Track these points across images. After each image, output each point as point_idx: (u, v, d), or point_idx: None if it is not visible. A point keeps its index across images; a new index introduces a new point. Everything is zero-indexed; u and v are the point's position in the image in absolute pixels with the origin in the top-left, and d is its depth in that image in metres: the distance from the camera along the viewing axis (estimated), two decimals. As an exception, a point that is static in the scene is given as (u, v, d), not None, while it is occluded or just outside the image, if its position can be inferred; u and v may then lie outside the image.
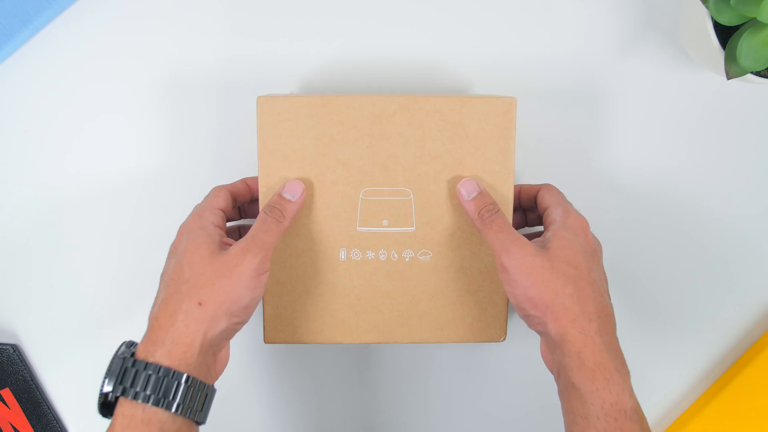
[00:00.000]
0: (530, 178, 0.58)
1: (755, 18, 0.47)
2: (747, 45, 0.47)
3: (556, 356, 0.45)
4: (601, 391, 0.42)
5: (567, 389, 0.43)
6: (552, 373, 0.46)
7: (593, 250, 0.48)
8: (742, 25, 0.48)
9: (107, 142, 0.58)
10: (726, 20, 0.48)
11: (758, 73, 0.50)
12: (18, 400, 0.58)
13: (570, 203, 0.50)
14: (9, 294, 0.59)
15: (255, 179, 0.52)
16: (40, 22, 0.56)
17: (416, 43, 0.57)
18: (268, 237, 0.47)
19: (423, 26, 0.57)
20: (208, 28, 0.57)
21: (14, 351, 0.58)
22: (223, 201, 0.50)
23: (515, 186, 0.52)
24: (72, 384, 0.59)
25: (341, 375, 0.60)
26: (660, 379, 0.59)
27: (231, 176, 0.58)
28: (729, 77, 0.49)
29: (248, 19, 0.57)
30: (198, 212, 0.49)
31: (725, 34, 0.49)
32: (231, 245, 0.46)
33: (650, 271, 0.59)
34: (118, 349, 0.46)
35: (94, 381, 0.59)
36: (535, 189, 0.53)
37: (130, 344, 0.46)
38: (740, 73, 0.49)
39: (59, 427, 0.58)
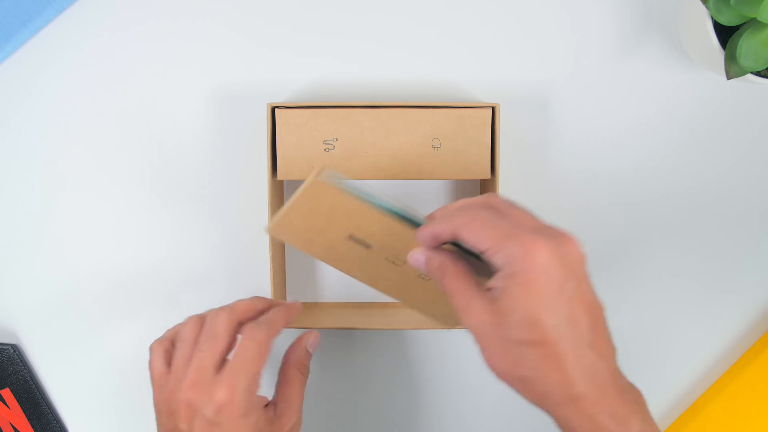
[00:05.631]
0: (526, 181, 0.58)
1: (755, 18, 0.47)
2: (747, 45, 0.47)
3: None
4: None
5: None
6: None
7: (566, 279, 0.36)
8: (742, 25, 0.48)
9: (108, 142, 0.58)
10: (726, 20, 0.48)
11: (758, 73, 0.50)
12: (18, 400, 0.58)
13: (516, 224, 0.38)
14: (9, 294, 0.59)
15: (290, 309, 0.49)
16: (40, 22, 0.56)
17: (411, 45, 0.58)
18: (298, 398, 0.48)
19: (418, 27, 0.57)
20: (210, 30, 0.57)
21: (14, 351, 0.58)
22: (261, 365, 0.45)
23: (427, 230, 0.41)
24: (72, 384, 0.59)
25: (336, 364, 0.60)
26: (660, 378, 0.59)
27: (229, 180, 0.58)
28: (729, 77, 0.49)
29: (251, 31, 0.57)
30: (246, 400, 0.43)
31: (725, 34, 0.49)
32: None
33: (650, 271, 0.59)
34: None
35: (94, 381, 0.59)
36: (447, 231, 0.40)
37: None
38: (740, 73, 0.49)
39: (59, 427, 0.58)
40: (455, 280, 0.40)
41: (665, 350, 0.59)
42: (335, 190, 0.43)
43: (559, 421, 0.38)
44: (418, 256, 0.42)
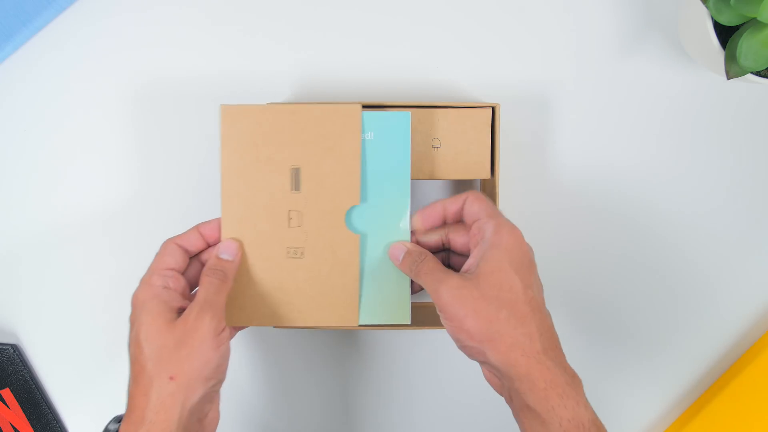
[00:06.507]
0: (526, 181, 0.58)
1: (755, 18, 0.47)
2: (747, 45, 0.47)
3: (504, 382, 0.44)
4: (557, 408, 0.41)
5: (522, 411, 0.43)
6: (502, 396, 0.45)
7: (529, 262, 0.45)
8: (742, 25, 0.48)
9: (107, 142, 0.58)
10: (726, 20, 0.48)
11: (758, 73, 0.50)
12: (18, 400, 0.58)
13: (501, 213, 0.47)
14: (9, 294, 0.59)
15: (208, 226, 0.49)
16: (40, 22, 0.56)
17: (410, 47, 0.58)
18: (219, 297, 0.46)
19: (418, 27, 0.57)
20: (210, 31, 0.57)
21: (14, 351, 0.58)
22: (172, 260, 0.47)
23: (438, 204, 0.49)
24: (72, 384, 0.59)
25: (318, 360, 0.60)
26: (660, 379, 0.59)
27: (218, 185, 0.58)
28: (729, 77, 0.49)
29: (240, 32, 0.57)
30: (146, 279, 0.47)
31: (725, 34, 0.49)
32: (186, 307, 0.46)
33: (649, 269, 0.59)
34: (107, 425, 0.46)
35: (94, 381, 0.59)
36: (459, 201, 0.48)
37: (119, 419, 0.46)
38: (740, 73, 0.49)
39: (59, 427, 0.58)
40: (434, 262, 0.47)
41: (665, 350, 0.59)
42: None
43: (519, 378, 0.42)
44: (399, 245, 0.49)
